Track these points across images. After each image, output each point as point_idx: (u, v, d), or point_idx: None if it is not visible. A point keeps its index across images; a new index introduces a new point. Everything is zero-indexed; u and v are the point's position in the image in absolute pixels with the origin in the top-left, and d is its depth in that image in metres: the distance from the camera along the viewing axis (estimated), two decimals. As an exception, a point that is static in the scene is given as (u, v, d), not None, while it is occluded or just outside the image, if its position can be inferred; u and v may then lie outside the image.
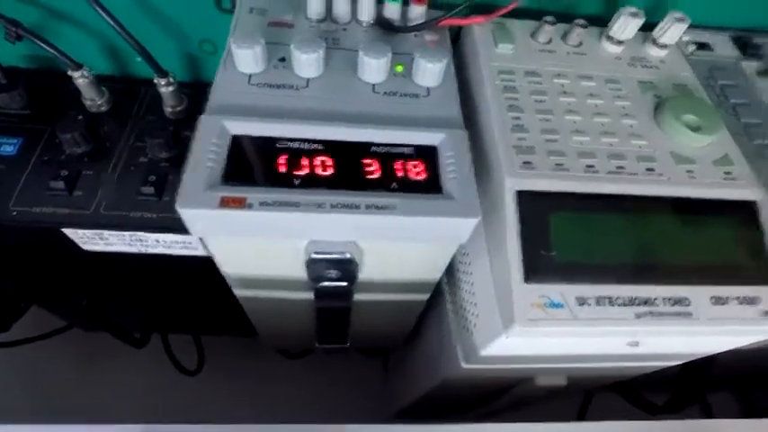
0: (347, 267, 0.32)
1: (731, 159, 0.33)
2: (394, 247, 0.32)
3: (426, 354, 0.51)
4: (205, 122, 0.30)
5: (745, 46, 0.41)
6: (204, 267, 0.39)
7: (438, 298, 0.44)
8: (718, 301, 0.28)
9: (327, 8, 0.37)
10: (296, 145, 0.30)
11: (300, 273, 0.33)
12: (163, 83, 0.41)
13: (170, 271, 0.46)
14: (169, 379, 0.70)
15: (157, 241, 0.39)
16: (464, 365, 0.36)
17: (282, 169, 0.29)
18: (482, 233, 0.32)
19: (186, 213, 0.27)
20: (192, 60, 0.46)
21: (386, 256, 0.34)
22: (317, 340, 0.52)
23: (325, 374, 0.79)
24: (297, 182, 0.29)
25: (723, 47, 0.41)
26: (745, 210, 0.31)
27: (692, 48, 0.41)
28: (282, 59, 0.34)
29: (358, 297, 0.41)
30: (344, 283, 0.35)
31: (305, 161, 0.30)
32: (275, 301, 0.42)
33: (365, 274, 0.36)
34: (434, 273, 0.37)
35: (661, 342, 0.31)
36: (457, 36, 0.41)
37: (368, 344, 0.63)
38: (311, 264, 0.31)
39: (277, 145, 0.30)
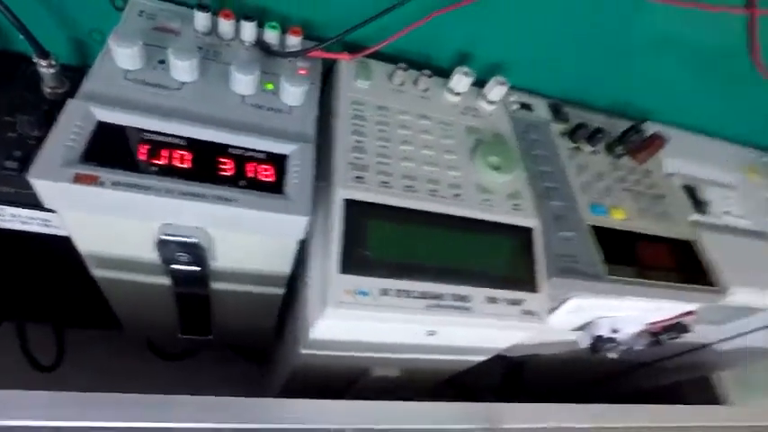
0: (196, 251, 0.36)
1: (521, 194, 0.42)
2: (241, 237, 0.37)
3: (284, 346, 0.55)
4: (72, 105, 0.33)
5: (557, 111, 0.52)
6: (66, 249, 0.40)
7: (295, 294, 0.49)
8: (492, 300, 0.37)
9: (214, 24, 0.42)
10: (158, 138, 0.34)
11: (153, 254, 0.37)
12: (43, 63, 0.42)
13: (27, 250, 0.46)
14: (21, 375, 0.66)
15: (13, 216, 0.40)
16: (302, 351, 0.41)
17: (142, 157, 0.33)
18: (321, 233, 0.38)
19: (39, 184, 0.30)
20: (81, 46, 0.48)
21: (235, 247, 0.39)
22: (180, 330, 0.54)
23: (200, 377, 0.78)
24: (153, 170, 0.33)
25: (541, 110, 0.52)
26: (524, 233, 0.40)
27: (516, 106, 0.51)
28: (162, 62, 0.38)
29: (217, 286, 0.45)
30: (197, 268, 0.38)
31: (165, 153, 0.34)
32: (134, 285, 0.44)
33: (220, 263, 0.41)
34: (283, 266, 0.42)
35: (452, 333, 0.39)
36: (332, 68, 0.48)
37: (235, 339, 0.66)
38: (161, 245, 0.35)
39: (140, 136, 0.34)
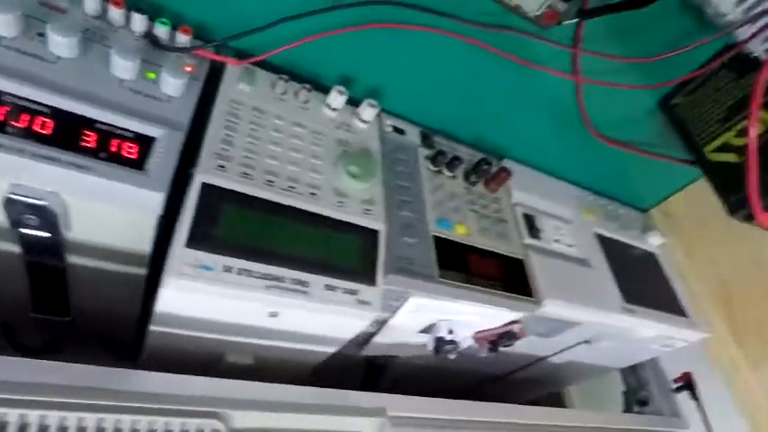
0: (46, 215, 0.37)
1: (374, 202, 0.48)
2: (98, 208, 0.39)
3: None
4: (-69, 59, 0.33)
5: (426, 138, 0.60)
6: None
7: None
8: (330, 288, 0.41)
9: (105, 10, 0.44)
10: (22, 102, 0.36)
11: (1, 216, 0.37)
12: None
13: None
14: None
15: None
16: (151, 327, 0.43)
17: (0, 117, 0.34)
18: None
19: None
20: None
21: (92, 217, 0.40)
22: (33, 308, 0.53)
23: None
24: (10, 131, 0.34)
25: (412, 135, 0.59)
26: (369, 234, 0.45)
27: (390, 129, 0.58)
28: (41, 35, 0.40)
29: (74, 260, 0.45)
30: (47, 234, 0.39)
31: (25, 117, 0.35)
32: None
33: (77, 234, 0.42)
34: (142, 243, 0.44)
35: (294, 317, 0.43)
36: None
37: (99, 327, 0.64)
38: (8, 204, 0.36)
39: (1, 97, 0.35)
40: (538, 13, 0.46)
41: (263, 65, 0.50)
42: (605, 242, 0.68)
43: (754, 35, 0.44)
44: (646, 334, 0.65)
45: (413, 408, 0.47)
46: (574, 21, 0.49)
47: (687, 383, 0.74)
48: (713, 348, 0.71)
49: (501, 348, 0.60)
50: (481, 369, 0.76)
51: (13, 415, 0.31)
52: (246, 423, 0.37)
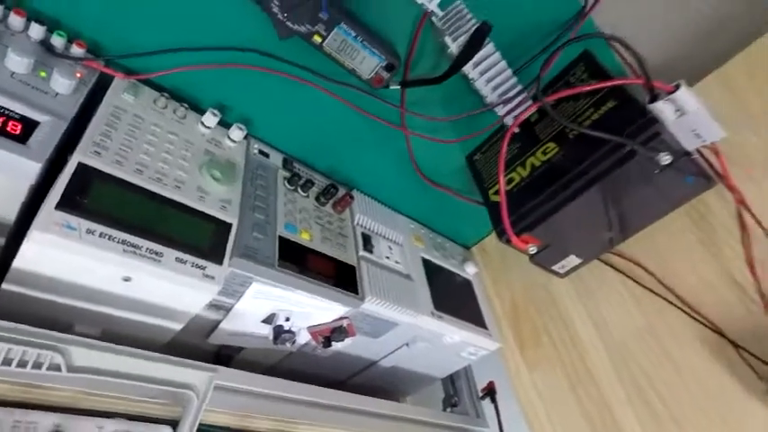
0: None
1: (231, 202, 0.59)
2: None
3: None
4: None
5: (287, 163, 0.73)
6: None
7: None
8: (181, 261, 0.51)
9: (6, 16, 0.52)
10: None
11: None
12: None
13: None
14: None
15: None
16: (4, 286, 0.48)
17: None
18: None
19: None
20: None
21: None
22: None
23: None
24: None
25: (276, 159, 0.72)
26: (223, 225, 0.56)
27: (256, 151, 0.70)
28: (-58, 25, 0.47)
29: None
30: None
31: None
32: None
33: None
34: (8, 213, 0.49)
35: (146, 284, 0.50)
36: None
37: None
38: None
39: None
40: (369, 77, 0.63)
41: (150, 84, 0.61)
42: (428, 265, 0.85)
43: (508, 113, 0.66)
44: (452, 339, 0.81)
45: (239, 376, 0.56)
46: (398, 87, 0.67)
47: (490, 391, 0.91)
48: (507, 357, 0.89)
49: (334, 343, 0.72)
50: (324, 374, 0.86)
51: None
52: (84, 361, 0.44)
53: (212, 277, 0.52)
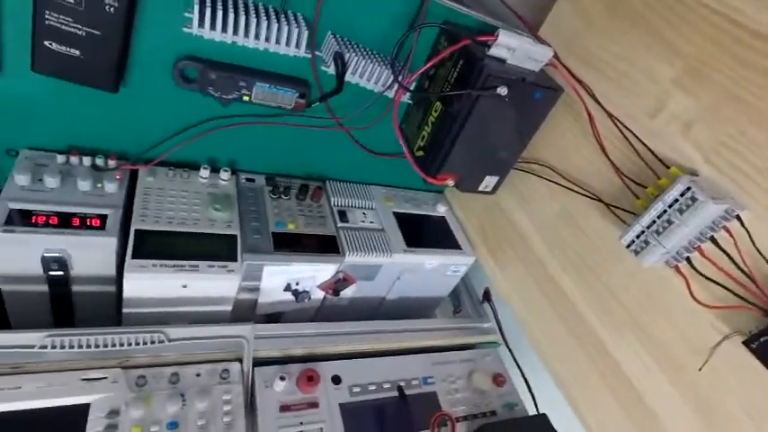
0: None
1: (232, 222, 0.89)
2: (88, 252, 0.79)
3: None
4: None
5: (269, 179, 1.02)
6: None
7: None
8: (211, 267, 0.82)
9: (68, 158, 0.86)
10: (40, 211, 0.76)
11: None
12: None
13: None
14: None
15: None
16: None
17: None
18: (127, 248, 0.81)
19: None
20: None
21: (89, 258, 0.80)
22: None
23: None
24: (38, 225, 0.75)
25: (260, 180, 1.02)
26: (231, 238, 0.87)
27: (244, 180, 1.00)
28: (40, 180, 0.81)
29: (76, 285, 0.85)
30: (62, 273, 0.79)
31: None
32: None
33: (79, 269, 0.81)
34: (109, 269, 0.84)
35: (197, 286, 0.82)
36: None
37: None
38: None
39: None
40: (291, 107, 0.90)
41: (162, 164, 0.93)
42: (399, 216, 1.11)
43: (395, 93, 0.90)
44: (431, 265, 1.07)
45: (269, 326, 0.87)
46: (318, 103, 0.93)
47: (486, 295, 1.16)
48: (484, 265, 1.13)
49: (342, 292, 1.01)
50: (352, 318, 1.16)
51: None
52: (177, 335, 0.77)
53: (233, 271, 0.83)
